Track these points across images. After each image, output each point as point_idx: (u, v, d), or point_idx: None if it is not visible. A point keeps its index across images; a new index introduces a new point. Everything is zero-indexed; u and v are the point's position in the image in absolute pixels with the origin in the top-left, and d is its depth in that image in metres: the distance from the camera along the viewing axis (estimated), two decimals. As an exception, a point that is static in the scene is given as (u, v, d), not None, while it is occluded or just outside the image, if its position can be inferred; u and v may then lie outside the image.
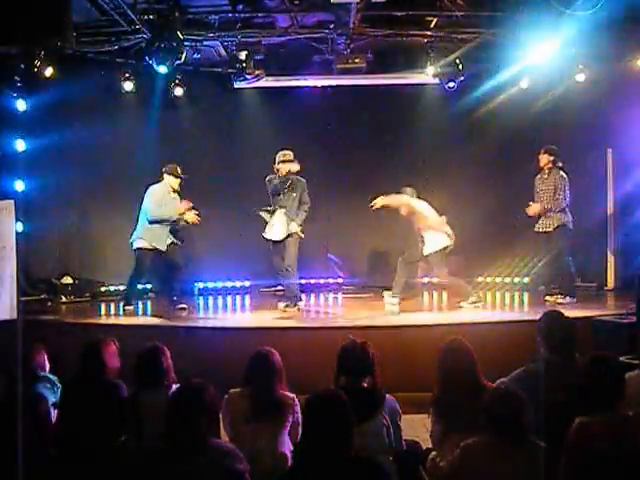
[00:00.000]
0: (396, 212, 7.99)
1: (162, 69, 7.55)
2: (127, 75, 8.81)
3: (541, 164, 8.05)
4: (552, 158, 7.95)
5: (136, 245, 7.66)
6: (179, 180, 7.77)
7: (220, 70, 9.19)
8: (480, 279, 9.38)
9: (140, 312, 8.04)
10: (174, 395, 3.00)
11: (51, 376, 4.41)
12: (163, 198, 7.68)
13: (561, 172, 7.95)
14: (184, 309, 7.76)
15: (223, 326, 7.27)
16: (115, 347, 4.11)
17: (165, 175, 7.78)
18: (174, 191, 7.79)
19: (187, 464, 2.75)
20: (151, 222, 7.59)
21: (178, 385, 3.20)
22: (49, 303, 8.63)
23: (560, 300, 7.73)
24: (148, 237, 7.60)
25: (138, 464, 2.91)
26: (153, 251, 7.63)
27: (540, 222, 7.98)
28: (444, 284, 8.29)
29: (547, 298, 7.95)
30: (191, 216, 7.79)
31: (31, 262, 8.68)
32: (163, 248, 7.63)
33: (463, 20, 7.75)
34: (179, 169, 7.79)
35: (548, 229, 7.89)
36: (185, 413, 2.84)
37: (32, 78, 7.92)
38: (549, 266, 8.05)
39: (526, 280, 9.19)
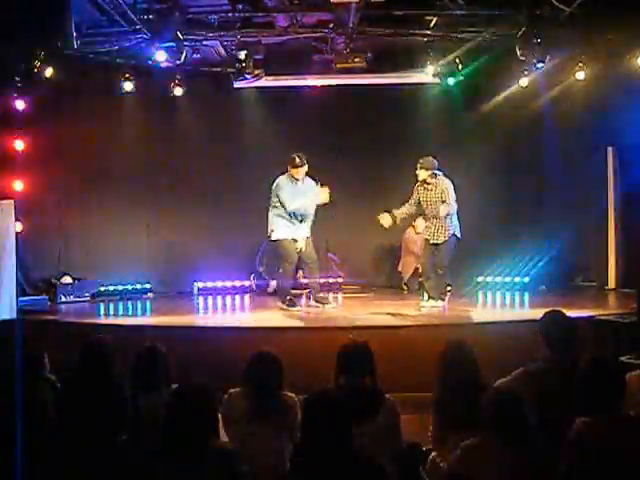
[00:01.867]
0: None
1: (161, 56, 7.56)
2: (127, 75, 8.80)
3: (420, 179, 7.62)
4: (429, 172, 7.56)
5: (275, 237, 7.72)
6: (299, 169, 7.68)
7: (220, 70, 9.19)
8: (480, 279, 9.38)
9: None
10: (173, 395, 2.99)
11: (51, 376, 4.40)
12: (289, 189, 7.68)
13: (445, 179, 7.61)
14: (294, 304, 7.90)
15: (223, 326, 7.27)
16: (114, 347, 4.10)
17: (288, 167, 7.73)
18: (297, 180, 7.73)
19: (187, 464, 2.74)
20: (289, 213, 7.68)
21: (177, 385, 3.19)
22: (49, 303, 8.63)
23: (434, 303, 7.65)
24: (281, 228, 7.69)
25: (138, 464, 2.91)
26: (291, 241, 7.70)
27: (429, 232, 7.67)
28: None
29: (423, 304, 7.77)
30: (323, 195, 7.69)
31: (31, 262, 8.68)
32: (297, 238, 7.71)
33: (463, 19, 7.75)
34: (297, 159, 7.66)
35: (438, 241, 7.58)
36: (184, 413, 2.83)
37: (32, 78, 7.92)
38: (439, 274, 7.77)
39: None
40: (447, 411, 3.62)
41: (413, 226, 9.44)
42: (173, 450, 2.77)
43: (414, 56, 8.67)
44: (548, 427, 3.17)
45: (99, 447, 3.37)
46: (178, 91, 9.27)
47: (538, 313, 4.13)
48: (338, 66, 8.45)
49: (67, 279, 8.94)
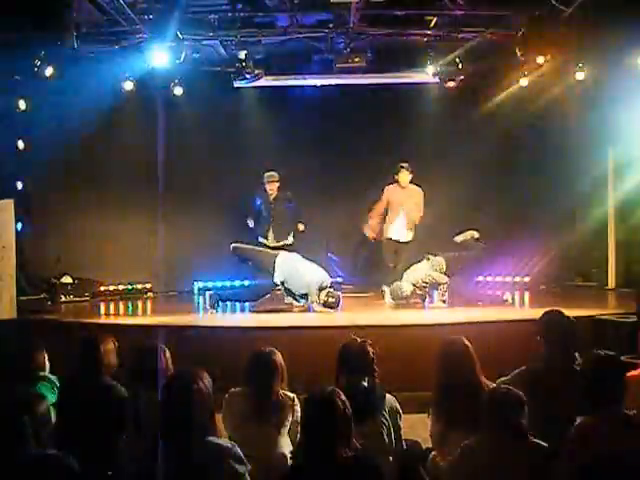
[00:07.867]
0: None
1: (162, 59, 7.55)
2: (127, 75, 8.80)
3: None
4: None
5: None
6: None
7: (220, 69, 9.18)
8: (479, 279, 9.36)
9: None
10: (166, 383, 2.95)
11: (51, 376, 4.40)
12: None
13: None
14: None
15: (223, 326, 7.26)
16: (113, 345, 4.09)
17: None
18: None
19: (186, 463, 2.74)
20: None
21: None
22: (49, 303, 8.63)
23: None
24: None
25: (136, 464, 2.90)
26: None
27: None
28: None
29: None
30: None
31: (31, 262, 8.68)
32: None
33: (463, 19, 7.75)
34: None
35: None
36: (179, 400, 2.78)
37: (32, 77, 7.92)
38: None
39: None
40: (447, 410, 3.62)
41: None
42: (172, 449, 2.75)
43: (414, 56, 8.67)
44: (548, 426, 3.17)
45: (99, 447, 3.38)
46: (178, 91, 9.27)
47: (538, 313, 4.13)
48: (338, 66, 8.45)
49: (67, 279, 8.93)
